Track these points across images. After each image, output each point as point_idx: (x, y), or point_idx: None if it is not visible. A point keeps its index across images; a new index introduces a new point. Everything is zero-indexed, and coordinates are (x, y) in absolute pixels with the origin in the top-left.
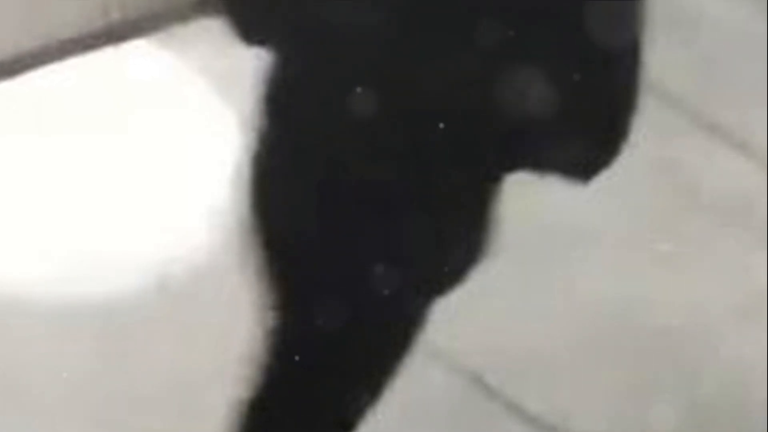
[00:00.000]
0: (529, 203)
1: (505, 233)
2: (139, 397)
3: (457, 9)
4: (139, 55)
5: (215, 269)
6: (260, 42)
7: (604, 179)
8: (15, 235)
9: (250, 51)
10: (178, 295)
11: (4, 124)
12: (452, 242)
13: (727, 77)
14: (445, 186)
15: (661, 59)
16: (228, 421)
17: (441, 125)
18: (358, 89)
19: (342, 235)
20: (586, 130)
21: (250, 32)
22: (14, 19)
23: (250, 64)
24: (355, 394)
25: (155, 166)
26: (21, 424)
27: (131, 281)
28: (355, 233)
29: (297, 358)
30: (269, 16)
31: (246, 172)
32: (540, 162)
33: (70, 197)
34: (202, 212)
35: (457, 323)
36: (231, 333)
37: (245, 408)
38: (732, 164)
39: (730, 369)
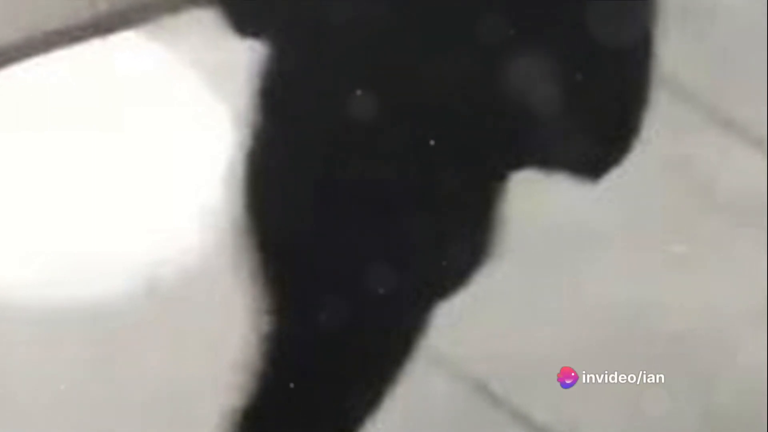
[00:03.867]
0: (535, 203)
1: (510, 234)
2: (127, 406)
3: (460, 1)
4: (127, 47)
5: (207, 272)
6: (254, 34)
7: (614, 178)
8: None
9: (243, 43)
10: (169, 298)
11: None
12: (455, 244)
13: (743, 71)
14: (447, 184)
15: (675, 52)
16: (220, 430)
17: (443, 121)
18: (357, 84)
19: (340, 236)
20: (596, 127)
21: (243, 24)
22: None
23: (243, 57)
24: (354, 403)
25: (144, 163)
26: None
27: (119, 284)
28: (353, 234)
29: (293, 364)
30: (263, 7)
31: (239, 170)
32: (547, 160)
33: (55, 196)
34: (193, 212)
35: (461, 328)
36: (224, 338)
37: (238, 417)
38: (748, 162)
39: (747, 375)
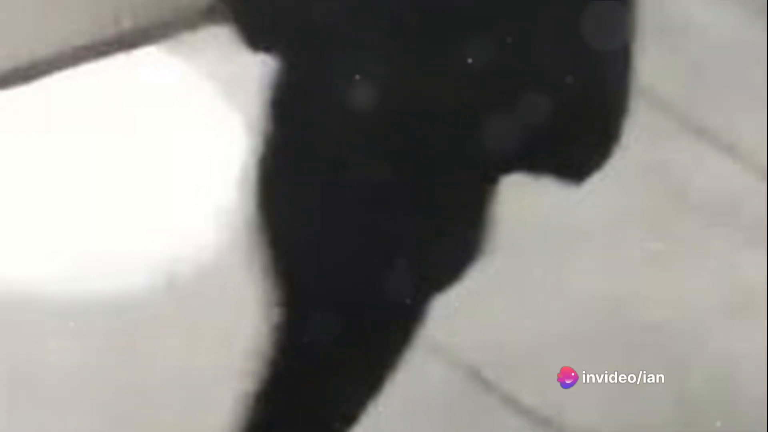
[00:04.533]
0: (524, 204)
1: (501, 233)
2: (147, 391)
3: (455, 16)
4: (149, 61)
5: (222, 267)
6: (266, 48)
7: (596, 181)
8: (28, 234)
9: (256, 57)
10: (186, 292)
11: (19, 128)
12: (451, 241)
13: (714, 82)
14: (444, 187)
15: (652, 65)
16: (234, 413)
17: (441, 128)
18: (360, 93)
19: (344, 234)
20: (580, 134)
21: (256, 39)
22: (29, 27)
23: (256, 70)
24: (357, 388)
25: (164, 167)
26: (33, 418)
27: (140, 279)
28: (356, 232)
29: (301, 353)
30: (275, 23)
31: (252, 174)
32: (535, 164)
33: (81, 198)
34: (209, 212)
35: (456, 320)
36: (237, 329)
37: (251, 401)
38: (720, 166)
39: (718, 363)
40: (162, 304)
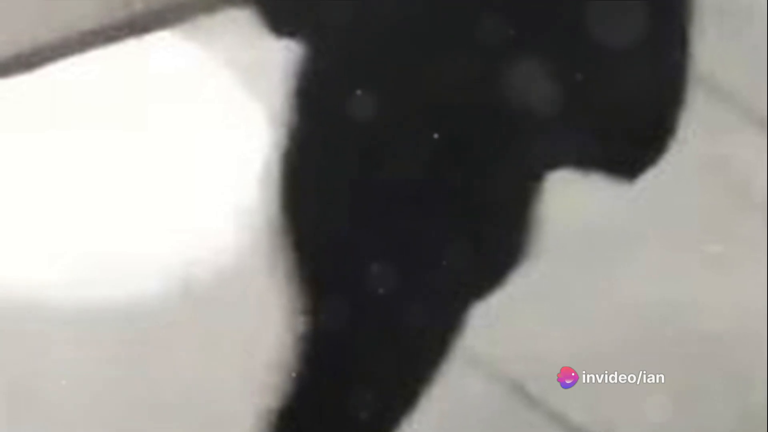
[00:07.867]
0: (572, 203)
1: (547, 234)
2: (161, 405)
3: (495, 3)
4: (162, 47)
5: (242, 272)
6: (290, 33)
7: (650, 178)
8: (32, 236)
9: (279, 43)
10: (203, 298)
11: (21, 120)
12: (491, 244)
13: None
14: (485, 185)
15: (711, 52)
16: (255, 430)
17: (480, 121)
18: (393, 83)
19: (376, 236)
20: (632, 127)
21: (279, 23)
22: (32, 11)
23: (279, 57)
24: (389, 403)
25: (179, 162)
26: None
27: (153, 284)
28: (389, 234)
29: (328, 365)
30: (299, 6)
31: (275, 170)
32: (584, 160)
33: (88, 196)
34: (228, 212)
35: (497, 329)
36: (258, 339)
37: (273, 418)
38: None
39: None
40: (177, 312)
